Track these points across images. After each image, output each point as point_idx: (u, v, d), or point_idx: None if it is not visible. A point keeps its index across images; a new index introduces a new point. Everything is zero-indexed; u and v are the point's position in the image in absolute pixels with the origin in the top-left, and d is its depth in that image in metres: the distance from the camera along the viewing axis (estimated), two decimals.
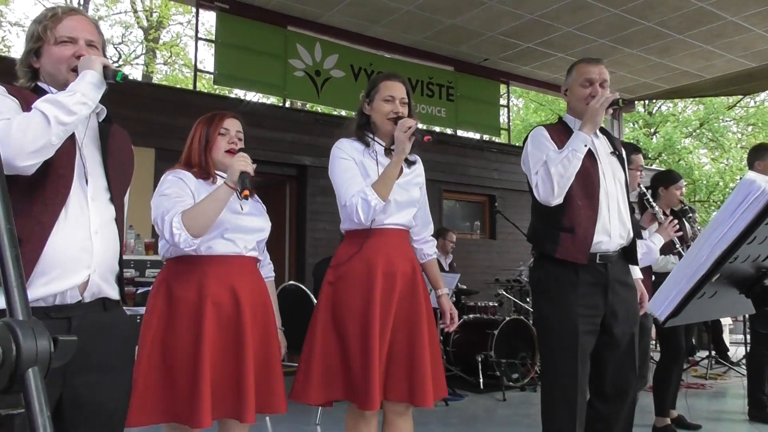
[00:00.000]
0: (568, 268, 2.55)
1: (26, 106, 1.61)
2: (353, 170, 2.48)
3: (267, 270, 2.55)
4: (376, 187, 2.39)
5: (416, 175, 2.66)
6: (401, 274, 2.46)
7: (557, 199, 2.52)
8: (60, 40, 1.72)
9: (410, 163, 2.65)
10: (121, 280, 1.81)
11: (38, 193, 1.59)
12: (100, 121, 1.83)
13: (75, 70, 1.70)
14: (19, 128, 1.49)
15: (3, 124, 1.51)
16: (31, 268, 1.55)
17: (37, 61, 1.74)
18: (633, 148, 4.05)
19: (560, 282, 2.57)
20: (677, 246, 3.54)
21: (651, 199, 3.78)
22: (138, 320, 4.35)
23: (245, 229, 2.30)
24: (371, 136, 2.59)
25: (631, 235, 2.70)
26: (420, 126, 2.45)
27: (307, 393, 2.38)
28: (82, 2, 16.58)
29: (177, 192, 2.19)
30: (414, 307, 2.46)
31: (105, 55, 1.85)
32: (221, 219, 2.20)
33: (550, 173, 2.48)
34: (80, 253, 1.64)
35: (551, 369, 2.63)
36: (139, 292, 4.87)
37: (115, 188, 1.79)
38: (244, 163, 2.15)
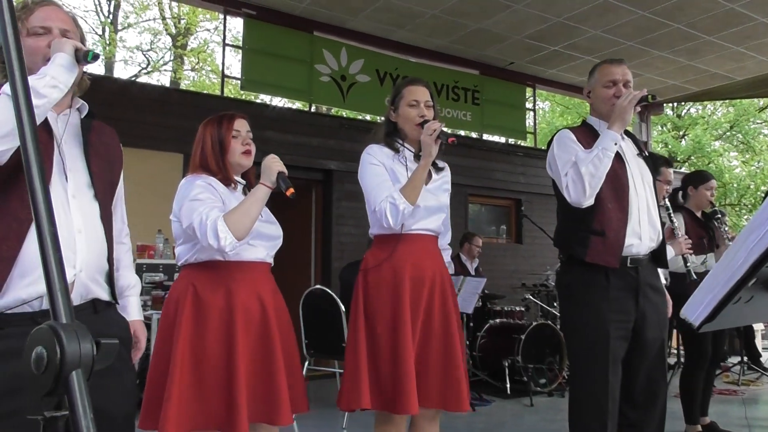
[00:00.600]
0: (598, 273, 2.52)
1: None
2: (383, 175, 2.48)
3: None
4: (405, 192, 2.39)
5: (444, 181, 2.67)
6: (429, 280, 2.46)
7: (589, 200, 2.48)
8: (33, 32, 1.66)
9: (438, 169, 2.65)
10: (111, 279, 1.76)
11: (14, 189, 1.54)
12: (82, 117, 1.78)
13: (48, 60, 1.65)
14: None
15: None
16: (9, 267, 1.51)
17: None
18: (664, 161, 4.01)
19: (590, 287, 2.53)
20: (687, 264, 3.49)
21: (672, 214, 3.73)
22: None
23: (266, 236, 2.31)
24: (400, 142, 2.60)
25: (661, 237, 2.66)
26: (445, 129, 2.44)
27: (360, 397, 2.35)
28: (111, 10, 16.88)
29: (210, 197, 2.18)
30: (445, 313, 2.46)
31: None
32: None
33: (581, 173, 2.44)
34: (65, 251, 1.62)
35: (581, 375, 2.59)
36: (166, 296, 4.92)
37: (99, 184, 1.73)
38: (279, 164, 2.19)
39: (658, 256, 2.67)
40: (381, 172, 2.49)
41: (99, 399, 1.60)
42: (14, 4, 1.71)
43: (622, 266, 2.52)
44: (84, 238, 1.63)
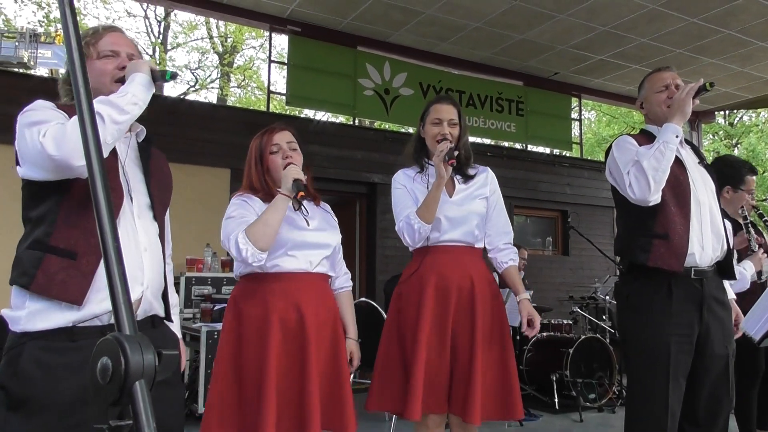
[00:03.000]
0: (660, 282, 2.44)
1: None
2: (405, 198, 2.63)
3: (342, 280, 2.56)
4: (419, 212, 2.52)
5: (478, 187, 2.69)
6: (456, 289, 2.51)
7: (654, 196, 2.40)
8: (103, 55, 1.76)
9: (467, 178, 2.68)
10: (165, 297, 1.83)
11: (92, 205, 1.61)
12: (140, 141, 1.86)
13: (119, 81, 1.74)
14: (74, 129, 1.50)
15: (58, 126, 1.53)
16: (88, 283, 1.56)
17: None
18: (749, 168, 3.82)
19: (652, 298, 2.45)
20: (762, 277, 3.38)
21: (750, 225, 3.58)
22: (216, 335, 4.48)
23: (310, 245, 2.30)
24: (426, 159, 2.71)
25: (725, 247, 2.55)
26: (453, 148, 2.54)
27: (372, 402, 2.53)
28: (161, 30, 17.39)
29: (241, 213, 2.24)
30: (470, 322, 2.49)
31: None
32: (285, 236, 2.24)
33: (643, 168, 2.38)
34: (134, 269, 1.66)
35: (640, 391, 2.48)
36: (216, 308, 4.99)
37: (157, 206, 1.81)
38: (295, 172, 2.21)
39: (724, 268, 2.56)
40: (403, 195, 2.65)
41: (156, 411, 1.68)
42: (81, 30, 1.83)
43: (685, 277, 2.43)
44: (149, 257, 1.71)
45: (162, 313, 1.80)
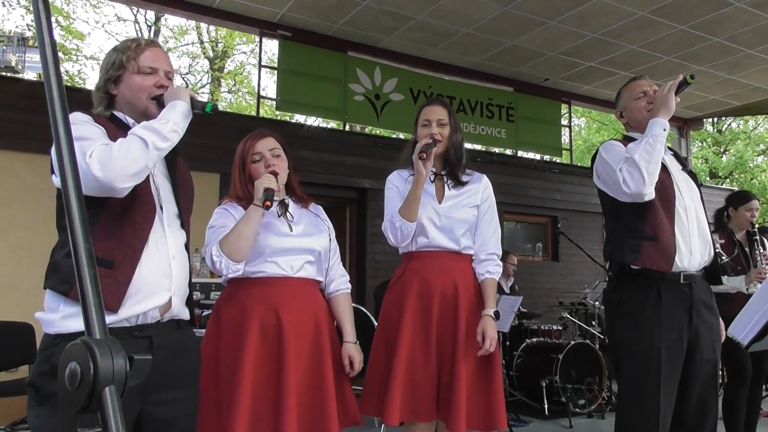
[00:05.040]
0: (650, 287, 2.44)
1: (109, 134, 1.69)
2: (394, 198, 2.63)
3: (337, 283, 2.51)
4: (401, 210, 2.52)
5: (469, 195, 2.67)
6: (439, 295, 2.50)
7: (649, 189, 2.40)
8: (142, 71, 1.79)
9: (459, 183, 2.66)
10: (191, 302, 1.87)
11: (128, 218, 1.67)
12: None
13: (154, 99, 1.79)
14: (119, 152, 1.56)
15: (104, 148, 1.58)
16: (124, 291, 1.61)
17: (115, 88, 1.81)
18: (755, 196, 4.03)
19: (642, 303, 2.45)
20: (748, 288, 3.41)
21: (757, 243, 3.62)
22: None
23: (291, 251, 2.28)
24: None
25: (712, 253, 2.58)
26: (431, 143, 2.56)
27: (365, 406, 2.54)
28: (151, 35, 17.32)
29: (222, 222, 2.26)
30: (453, 329, 2.48)
31: None
32: (264, 243, 2.23)
33: (636, 161, 2.39)
34: (162, 277, 1.71)
35: (630, 396, 2.48)
36: (204, 314, 4.95)
37: (184, 214, 1.87)
38: (268, 181, 2.21)
39: (711, 274, 2.58)
40: (392, 196, 2.65)
41: (173, 412, 1.69)
42: (127, 40, 1.83)
43: (675, 282, 2.44)
44: (177, 264, 1.77)
45: (187, 317, 1.85)
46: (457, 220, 2.59)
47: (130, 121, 1.81)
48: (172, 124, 1.68)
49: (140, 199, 1.69)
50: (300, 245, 2.31)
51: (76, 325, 1.58)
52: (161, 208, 1.77)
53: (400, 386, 2.40)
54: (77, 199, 0.67)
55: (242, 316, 2.19)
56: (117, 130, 1.75)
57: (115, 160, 1.55)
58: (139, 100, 1.79)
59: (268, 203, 2.15)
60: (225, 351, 2.18)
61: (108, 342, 0.61)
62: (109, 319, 1.59)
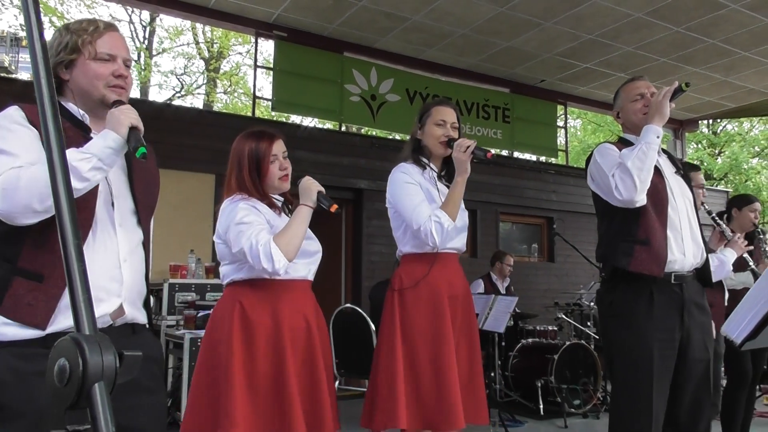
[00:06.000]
0: (642, 288, 2.45)
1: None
2: (421, 194, 2.52)
3: None
4: (447, 210, 2.46)
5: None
6: (461, 297, 2.54)
7: (640, 195, 2.42)
8: (99, 57, 1.63)
9: None
10: (148, 304, 1.76)
11: (54, 228, 1.55)
12: None
13: (112, 86, 1.64)
14: (28, 184, 1.40)
15: (12, 174, 1.42)
16: (54, 305, 1.49)
17: (66, 73, 1.64)
18: (691, 167, 3.94)
19: (634, 304, 2.46)
20: (750, 263, 3.39)
21: (717, 217, 3.65)
22: (199, 342, 4.41)
23: (307, 253, 2.29)
24: (425, 160, 2.67)
25: (705, 255, 2.60)
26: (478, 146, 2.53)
27: (397, 416, 2.36)
28: (146, 36, 17.30)
29: (257, 220, 2.17)
30: (471, 329, 2.54)
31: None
32: None
33: (628, 168, 2.40)
34: (110, 282, 1.59)
35: (625, 397, 2.49)
36: (200, 315, 4.92)
37: (142, 210, 1.72)
38: (317, 184, 2.24)
39: (702, 275, 2.60)
40: (418, 191, 2.53)
41: (137, 419, 1.59)
42: (81, 20, 1.67)
43: (666, 283, 2.46)
44: (128, 266, 1.64)
45: (143, 321, 1.73)
46: (464, 222, 2.65)
47: (80, 112, 1.65)
48: (95, 161, 1.48)
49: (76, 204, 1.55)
50: (311, 248, 2.33)
51: (14, 334, 1.47)
52: (112, 204, 1.62)
53: (458, 391, 2.36)
54: (66, 196, 0.66)
55: (276, 322, 2.16)
56: (65, 121, 1.55)
57: (21, 193, 1.39)
58: (95, 88, 1.62)
59: (335, 206, 2.19)
60: (263, 358, 2.13)
61: (97, 338, 0.61)
62: (44, 333, 1.48)
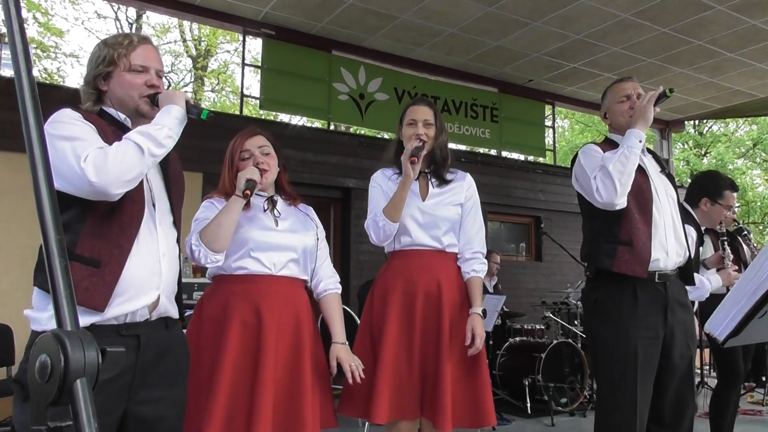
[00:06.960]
0: (626, 287, 2.48)
1: (100, 132, 1.65)
2: (378, 196, 2.64)
3: (326, 283, 2.48)
4: (386, 210, 2.53)
5: (453, 193, 2.68)
6: (423, 294, 2.51)
7: (620, 199, 2.44)
8: (134, 68, 1.76)
9: (444, 182, 2.67)
10: (180, 300, 1.85)
11: (116, 218, 1.64)
12: None
13: (147, 97, 1.77)
14: (115, 158, 1.55)
15: (99, 152, 1.55)
16: (111, 290, 1.59)
17: (104, 84, 1.77)
18: (729, 184, 3.77)
19: (618, 303, 2.49)
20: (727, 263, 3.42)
21: (726, 243, 3.61)
22: None
23: (275, 247, 2.26)
24: None
25: (687, 253, 2.63)
26: (420, 147, 2.58)
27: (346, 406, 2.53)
28: (134, 31, 17.15)
29: (206, 215, 2.24)
30: (435, 327, 2.49)
31: None
32: (246, 236, 2.21)
33: (609, 172, 2.43)
34: (151, 275, 1.69)
35: (609, 394, 2.52)
36: (187, 314, 4.89)
37: (176, 211, 1.86)
38: (251, 173, 2.22)
39: (685, 273, 2.63)
40: (377, 194, 2.65)
41: (161, 410, 1.68)
42: (117, 35, 1.80)
43: (650, 281, 2.48)
44: (167, 261, 1.75)
45: (176, 315, 1.82)
46: (440, 217, 2.59)
47: (121, 116, 1.78)
48: (167, 130, 1.67)
49: (130, 198, 1.65)
50: (284, 242, 2.28)
51: None
52: (153, 205, 1.75)
53: (388, 385, 2.40)
54: (48, 191, 0.65)
55: (224, 313, 2.17)
56: (108, 126, 1.72)
57: (111, 165, 1.53)
58: (130, 98, 1.76)
59: (247, 192, 2.15)
60: (205, 348, 2.16)
61: (79, 334, 0.60)
62: (96, 317, 1.59)
